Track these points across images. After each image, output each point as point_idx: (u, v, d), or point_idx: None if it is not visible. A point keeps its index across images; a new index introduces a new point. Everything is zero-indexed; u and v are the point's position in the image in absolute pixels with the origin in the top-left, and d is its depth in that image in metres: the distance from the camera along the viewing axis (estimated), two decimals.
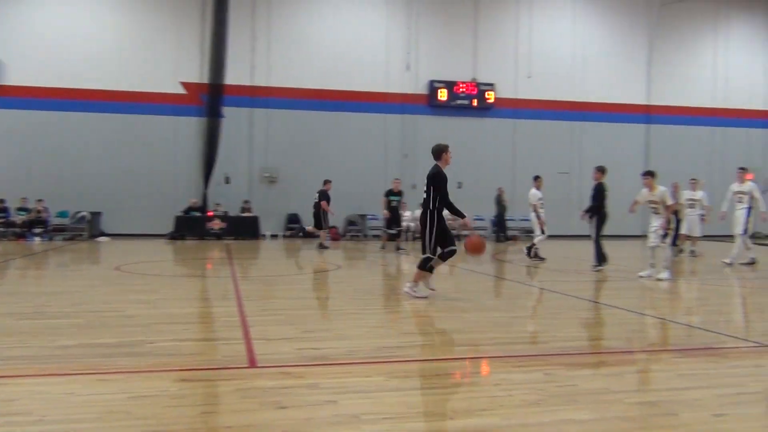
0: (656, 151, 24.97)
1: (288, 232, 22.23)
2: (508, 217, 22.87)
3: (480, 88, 23.40)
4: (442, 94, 23.15)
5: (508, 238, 21.73)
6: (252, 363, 4.73)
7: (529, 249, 14.21)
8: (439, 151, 8.39)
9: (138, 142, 21.43)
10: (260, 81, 22.23)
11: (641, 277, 10.72)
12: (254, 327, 6.03)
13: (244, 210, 21.74)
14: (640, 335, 6.28)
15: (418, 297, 8.05)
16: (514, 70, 23.94)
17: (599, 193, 12.06)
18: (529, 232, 23.41)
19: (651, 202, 10.76)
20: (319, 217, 17.55)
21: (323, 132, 22.65)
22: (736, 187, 13.52)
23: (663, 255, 10.73)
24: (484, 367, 4.90)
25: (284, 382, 4.21)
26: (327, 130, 22.68)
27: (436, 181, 8.13)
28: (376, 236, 22.41)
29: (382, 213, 16.89)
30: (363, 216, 22.70)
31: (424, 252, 8.12)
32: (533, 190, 14.40)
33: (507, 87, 23.82)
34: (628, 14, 25.14)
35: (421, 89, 23.28)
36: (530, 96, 24.00)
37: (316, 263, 13.76)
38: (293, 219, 22.41)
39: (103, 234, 20.52)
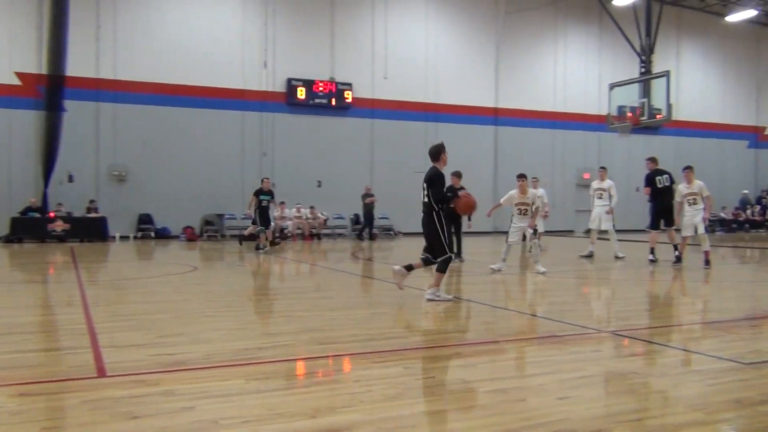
0: (503, 152, 26.38)
1: (140, 233, 21.17)
2: (381, 215, 23.24)
3: (338, 88, 23.56)
4: (301, 93, 23.06)
5: (372, 237, 22.02)
6: (101, 372, 4.45)
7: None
8: (438, 152, 8.17)
9: None
10: (106, 74, 21.01)
11: (492, 269, 11.21)
12: (103, 334, 5.68)
13: (90, 210, 20.41)
14: (492, 326, 6.60)
15: (443, 300, 7.79)
16: (371, 70, 24.34)
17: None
18: (388, 231, 23.97)
19: (522, 203, 11.11)
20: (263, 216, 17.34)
21: (177, 129, 21.80)
22: (596, 184, 14.41)
23: (535, 251, 11.22)
24: (345, 365, 4.93)
25: (137, 391, 4.00)
26: (181, 126, 21.85)
27: (436, 183, 7.92)
28: (234, 236, 21.92)
29: (248, 212, 16.53)
30: (220, 216, 22.09)
31: (437, 255, 7.85)
32: (541, 190, 14.54)
33: (364, 87, 24.17)
34: (477, 21, 26.36)
35: (279, 87, 23.06)
36: (387, 96, 24.51)
37: (169, 265, 13.22)
38: (145, 219, 21.38)
39: None
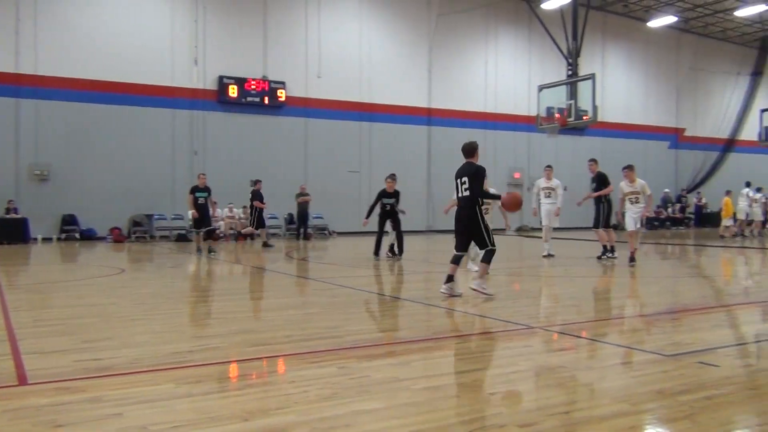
0: (437, 152, 26.67)
1: (63, 235, 20.39)
2: (315, 215, 23.12)
3: (271, 86, 23.30)
4: (233, 91, 22.69)
5: (306, 237, 21.87)
6: (22, 380, 4.27)
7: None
8: (473, 149, 8.32)
9: None
10: (27, 69, 20.14)
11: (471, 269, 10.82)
12: (24, 340, 5.45)
13: (9, 211, 19.52)
14: (426, 324, 6.67)
15: (486, 293, 7.92)
16: (305, 69, 24.19)
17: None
18: (322, 230, 23.88)
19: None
20: (256, 217, 17.88)
21: (103, 126, 21.09)
22: (543, 183, 14.68)
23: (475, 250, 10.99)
24: (279, 366, 4.89)
25: (61, 398, 3.86)
26: (108, 124, 21.15)
27: (480, 178, 8.04)
28: (163, 237, 21.40)
29: (190, 213, 15.97)
30: (149, 216, 21.51)
31: (483, 246, 8.06)
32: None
33: (298, 86, 24.00)
34: (411, 22, 26.56)
35: (210, 85, 22.63)
36: (321, 96, 24.41)
37: (95, 267, 12.80)
38: (69, 220, 20.60)
39: None
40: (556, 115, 19.79)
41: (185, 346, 5.36)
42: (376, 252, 13.68)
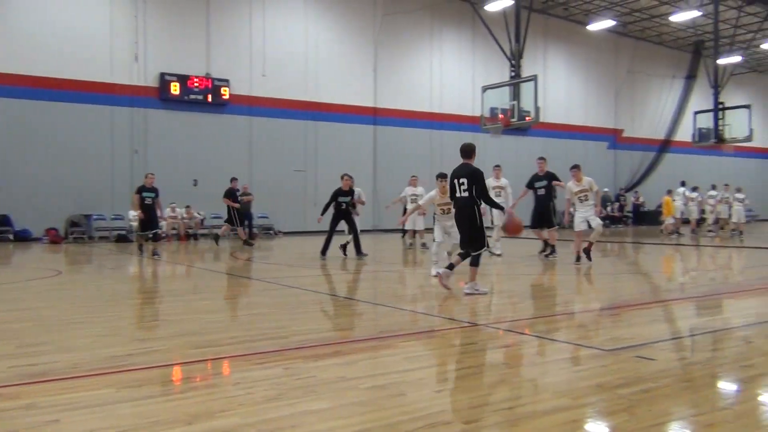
0: (383, 151, 26.75)
1: None
2: (260, 215, 22.86)
3: (215, 84, 22.92)
4: (175, 88, 22.21)
5: (252, 236, 21.59)
6: None
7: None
8: (472, 150, 8.45)
9: None
10: None
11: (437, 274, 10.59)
12: None
13: None
14: (373, 323, 6.68)
15: (481, 293, 8.05)
16: (249, 67, 23.89)
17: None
18: (268, 230, 23.64)
19: (444, 204, 10.69)
20: (230, 216, 17.63)
21: (38, 124, 20.36)
22: (493, 182, 14.82)
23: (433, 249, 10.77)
24: (224, 368, 4.82)
25: None
26: (44, 121, 20.43)
27: (479, 178, 8.16)
28: (103, 238, 20.84)
29: (137, 214, 15.19)
30: (87, 216, 20.87)
31: (477, 248, 8.11)
32: (420, 188, 14.95)
33: (242, 84, 23.69)
34: (356, 22, 26.55)
35: (151, 82, 22.11)
36: (265, 94, 24.15)
37: (31, 270, 12.36)
38: (2, 221, 19.82)
39: None
40: (500, 116, 20.09)
41: (126, 350, 5.23)
42: (324, 252, 13.54)
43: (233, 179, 18.50)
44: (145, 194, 14.60)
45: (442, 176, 10.40)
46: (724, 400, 4.06)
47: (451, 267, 8.24)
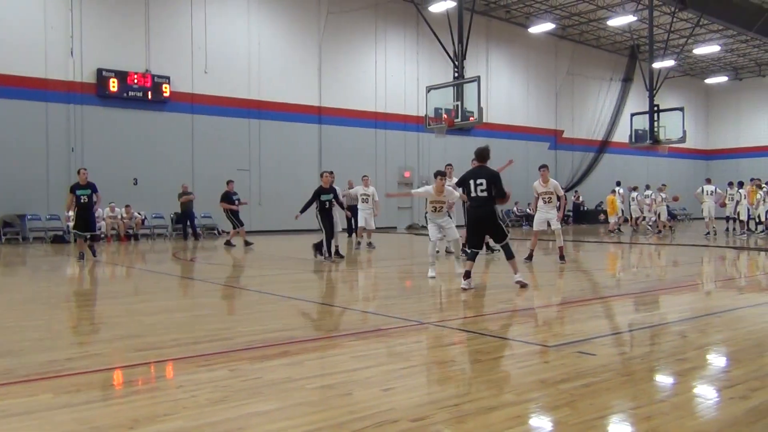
0: (328, 150, 26.65)
1: None
2: (203, 214, 22.46)
3: (155, 81, 22.40)
4: (113, 85, 21.61)
5: (196, 236, 21.21)
6: None
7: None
8: (487, 154, 8.96)
9: None
10: None
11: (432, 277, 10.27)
12: None
13: None
14: (320, 323, 6.65)
15: (525, 283, 8.66)
16: (190, 64, 23.45)
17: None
18: (211, 230, 23.26)
19: (438, 202, 10.52)
20: (230, 217, 17.50)
21: None
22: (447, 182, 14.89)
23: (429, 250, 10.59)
24: (167, 371, 4.72)
25: None
26: None
27: (500, 182, 8.73)
28: (38, 238, 20.15)
29: (69, 213, 14.11)
30: (21, 216, 20.11)
31: (501, 239, 8.80)
32: (371, 188, 14.66)
33: (183, 81, 23.23)
34: (301, 19, 26.37)
35: (89, 78, 21.44)
36: (207, 91, 23.75)
37: None
38: None
39: None
40: (444, 116, 20.25)
41: (64, 354, 5.07)
42: (330, 253, 12.82)
43: (229, 182, 18.36)
44: (79, 192, 13.16)
45: (440, 174, 10.43)
46: (662, 393, 4.20)
47: (467, 275, 8.57)
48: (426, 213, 10.92)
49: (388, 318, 6.67)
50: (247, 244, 17.35)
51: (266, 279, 10.77)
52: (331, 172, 13.58)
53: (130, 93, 21.93)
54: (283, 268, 12.07)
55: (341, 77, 27.39)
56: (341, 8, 26.87)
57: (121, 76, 21.74)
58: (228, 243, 17.57)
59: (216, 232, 23.28)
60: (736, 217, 22.02)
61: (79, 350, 5.23)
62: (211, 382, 4.22)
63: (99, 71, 21.43)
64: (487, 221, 8.77)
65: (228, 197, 17.91)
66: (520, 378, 4.40)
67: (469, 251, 8.84)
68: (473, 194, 8.73)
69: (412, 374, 4.52)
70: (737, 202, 22.04)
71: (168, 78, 22.66)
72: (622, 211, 25.00)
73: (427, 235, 10.62)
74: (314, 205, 12.89)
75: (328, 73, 26.97)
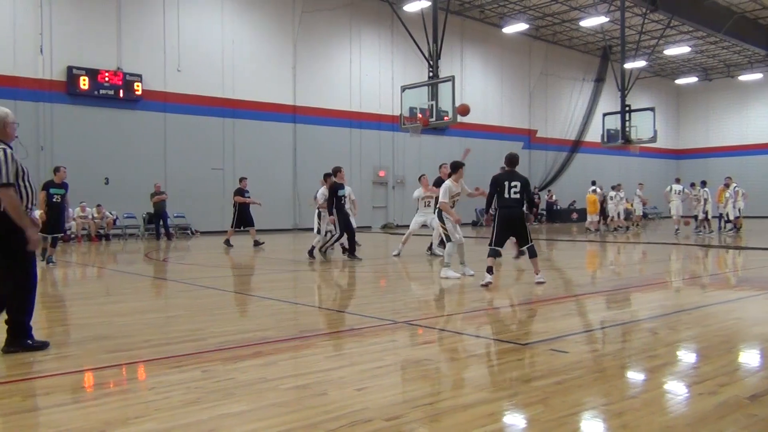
0: (302, 149, 26.56)
1: None
2: (177, 214, 22.22)
3: (126, 79, 22.11)
4: (84, 83, 21.29)
5: (169, 236, 20.97)
6: None
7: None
8: (518, 160, 9.52)
9: None
10: None
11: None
12: None
13: None
14: (293, 323, 6.63)
15: (543, 281, 9.10)
16: (163, 62, 23.20)
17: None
18: (184, 230, 23.05)
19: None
20: (236, 214, 17.21)
21: None
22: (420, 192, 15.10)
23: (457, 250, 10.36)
24: (139, 372, 4.66)
25: None
26: None
27: (529, 185, 9.41)
28: None
29: (38, 213, 13.23)
30: None
31: (527, 242, 9.25)
32: (348, 188, 14.17)
33: (156, 79, 22.98)
34: (275, 18, 26.23)
35: (59, 75, 21.10)
36: (181, 90, 23.52)
37: None
38: None
39: None
40: (419, 115, 20.29)
41: (34, 356, 4.98)
42: (353, 251, 12.90)
43: (242, 179, 18.10)
44: (52, 191, 12.34)
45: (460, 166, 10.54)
46: (633, 389, 4.26)
47: (490, 270, 9.01)
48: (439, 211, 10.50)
49: (362, 318, 6.67)
50: (256, 243, 17.03)
51: (240, 279, 10.70)
52: (341, 168, 13.41)
53: (101, 91, 21.63)
54: (257, 268, 11.99)
55: (316, 76, 27.30)
56: (315, 7, 26.79)
57: (92, 73, 21.43)
58: (227, 242, 17.34)
59: (189, 232, 23.07)
60: (705, 216, 22.35)
61: (50, 352, 5.14)
62: (184, 383, 4.18)
63: (69, 69, 21.11)
64: (517, 222, 9.26)
65: (241, 193, 17.60)
66: (494, 376, 4.43)
67: (495, 249, 9.23)
68: (506, 196, 9.13)
69: (387, 373, 4.52)
70: (705, 201, 22.40)
71: (140, 76, 22.39)
72: (603, 209, 25.28)
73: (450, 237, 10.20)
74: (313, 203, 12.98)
75: (303, 72, 26.87)
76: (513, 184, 9.14)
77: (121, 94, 22.02)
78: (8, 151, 5.07)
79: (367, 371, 4.52)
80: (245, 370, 4.54)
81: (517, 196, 9.14)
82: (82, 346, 5.39)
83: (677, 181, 24.21)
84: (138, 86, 22.32)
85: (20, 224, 4.85)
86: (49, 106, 20.90)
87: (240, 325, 6.54)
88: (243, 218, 17.55)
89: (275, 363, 4.83)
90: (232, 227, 17.77)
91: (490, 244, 9.23)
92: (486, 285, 8.77)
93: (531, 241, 9.24)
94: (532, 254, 9.25)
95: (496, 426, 3.46)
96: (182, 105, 23.53)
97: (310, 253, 13.27)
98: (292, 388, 4.11)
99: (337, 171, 13.16)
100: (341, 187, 12.88)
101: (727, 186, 22.49)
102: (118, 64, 22.18)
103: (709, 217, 22.26)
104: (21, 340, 5.05)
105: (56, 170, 12.59)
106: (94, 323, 6.48)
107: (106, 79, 21.70)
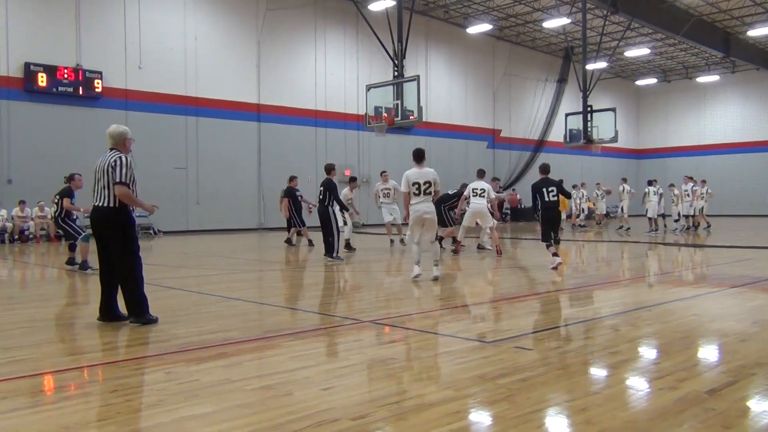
0: (267, 148, 26.36)
1: None
2: (138, 214, 21.78)
3: (86, 76, 21.65)
4: (42, 80, 20.79)
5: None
6: None
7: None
8: (549, 168, 11.54)
9: None
10: None
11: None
12: None
13: None
14: (258, 324, 6.57)
15: (558, 264, 10.65)
16: (124, 59, 22.78)
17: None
18: (147, 230, 22.70)
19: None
20: (291, 216, 16.97)
21: None
22: (381, 185, 16.36)
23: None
24: (100, 375, 4.57)
25: None
26: None
27: (563, 186, 11.38)
28: None
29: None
30: None
31: (554, 237, 11.26)
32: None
33: (117, 76, 22.55)
34: (239, 16, 25.97)
35: (15, 72, 20.56)
36: (142, 88, 23.13)
37: None
38: None
39: None
40: (384, 115, 20.30)
41: None
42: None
43: (293, 178, 17.50)
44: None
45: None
46: (595, 385, 4.32)
47: (555, 255, 10.79)
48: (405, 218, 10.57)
49: (327, 317, 6.64)
50: (310, 243, 16.63)
51: (204, 279, 10.58)
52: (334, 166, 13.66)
53: (60, 88, 21.15)
54: (221, 268, 11.87)
55: (280, 75, 27.11)
56: (280, 5, 26.59)
57: (50, 70, 20.94)
58: (288, 241, 17.18)
59: (152, 231, 22.72)
60: (653, 216, 22.53)
61: (5, 355, 5.01)
62: (146, 386, 4.12)
63: (27, 65, 20.59)
64: (558, 220, 11.52)
65: (292, 194, 17.19)
66: (459, 374, 4.45)
67: (546, 243, 11.06)
68: (546, 199, 11.03)
69: (352, 373, 4.51)
70: (661, 196, 22.80)
71: (100, 73, 21.96)
72: (572, 208, 25.61)
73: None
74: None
75: (267, 71, 26.66)
76: (550, 189, 11.04)
77: (81, 92, 21.56)
78: (129, 158, 6.81)
79: (332, 371, 4.51)
80: (209, 372, 4.49)
81: (555, 198, 11.02)
82: (40, 349, 5.26)
83: (624, 180, 25.15)
84: (98, 83, 21.88)
85: (138, 206, 6.94)
86: (6, 104, 20.37)
87: (203, 326, 6.46)
88: (294, 218, 17.13)
89: (240, 364, 4.78)
90: (296, 227, 17.28)
91: (543, 241, 11.07)
92: (556, 267, 10.51)
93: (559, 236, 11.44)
94: (557, 242, 11.41)
95: (462, 424, 3.47)
96: (144, 103, 23.14)
97: (348, 246, 14.68)
98: (257, 389, 4.07)
99: (330, 168, 13.41)
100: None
101: (689, 181, 22.93)
102: (78, 61, 21.72)
103: (649, 215, 22.46)
104: (146, 314, 6.17)
105: (71, 178, 12.26)
106: (52, 326, 6.34)
107: (65, 75, 21.24)
